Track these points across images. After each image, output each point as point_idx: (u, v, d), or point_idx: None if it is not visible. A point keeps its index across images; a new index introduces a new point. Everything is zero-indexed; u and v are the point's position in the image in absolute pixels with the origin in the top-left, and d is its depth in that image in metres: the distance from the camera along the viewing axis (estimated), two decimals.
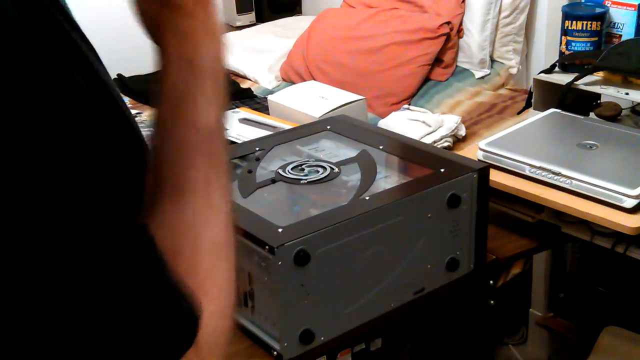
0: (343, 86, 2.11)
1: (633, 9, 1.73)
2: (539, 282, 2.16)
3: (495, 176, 1.37)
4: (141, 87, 2.68)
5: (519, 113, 1.98)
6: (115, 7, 3.23)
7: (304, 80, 2.54)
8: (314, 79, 2.47)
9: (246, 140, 1.49)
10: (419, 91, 2.47)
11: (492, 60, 2.63)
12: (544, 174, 1.40)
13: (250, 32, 3.16)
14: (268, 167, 1.31)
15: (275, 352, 1.07)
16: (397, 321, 1.21)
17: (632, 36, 1.73)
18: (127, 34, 3.21)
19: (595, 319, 1.94)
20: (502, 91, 2.56)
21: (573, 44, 1.75)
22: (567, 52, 1.76)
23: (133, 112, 2.20)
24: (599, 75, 1.66)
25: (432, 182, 1.18)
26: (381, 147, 1.35)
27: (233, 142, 1.56)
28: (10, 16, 0.42)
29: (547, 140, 1.61)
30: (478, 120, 2.31)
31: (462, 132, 2.11)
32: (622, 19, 1.75)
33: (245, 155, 1.36)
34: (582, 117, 1.63)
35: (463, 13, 2.58)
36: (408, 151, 1.35)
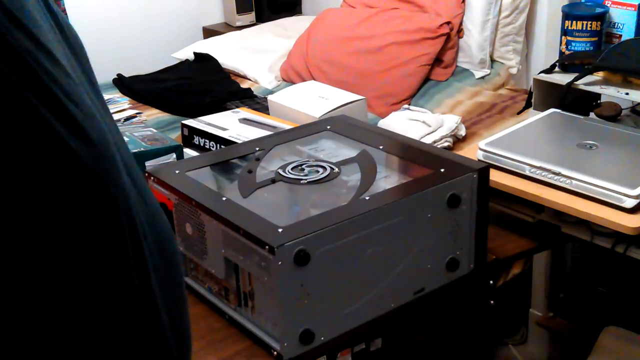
0: (343, 86, 2.11)
1: (633, 9, 1.73)
2: (539, 282, 2.15)
3: (495, 176, 1.37)
4: (141, 87, 2.68)
5: (519, 113, 1.98)
6: (115, 8, 3.24)
7: (304, 80, 2.54)
8: (314, 79, 2.47)
9: (246, 140, 1.49)
10: (419, 91, 2.47)
11: (492, 60, 2.63)
12: (544, 174, 1.40)
13: (250, 32, 3.16)
14: (268, 167, 1.31)
15: (275, 352, 1.07)
16: (397, 321, 1.21)
17: (632, 36, 1.73)
18: (127, 34, 3.22)
19: (595, 319, 1.94)
20: (502, 91, 2.56)
21: (573, 44, 1.75)
22: (567, 52, 1.76)
23: (133, 112, 2.20)
24: (599, 75, 1.66)
25: (432, 182, 1.18)
26: (381, 147, 1.34)
27: (233, 142, 1.56)
28: None
29: (547, 140, 1.61)
30: (478, 120, 2.31)
31: (462, 132, 2.11)
32: (622, 19, 1.75)
33: (245, 155, 1.36)
34: (582, 117, 1.63)
35: (463, 13, 2.58)
36: (408, 151, 1.35)
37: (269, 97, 1.93)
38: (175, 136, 1.99)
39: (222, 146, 1.58)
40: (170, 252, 0.58)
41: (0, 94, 0.42)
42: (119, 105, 2.20)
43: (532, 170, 1.42)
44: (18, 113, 0.43)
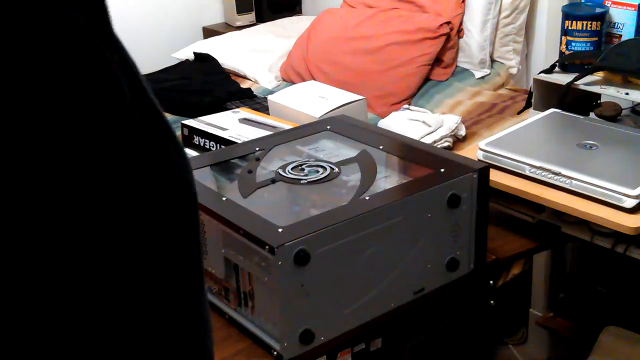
0: (343, 86, 2.11)
1: (633, 9, 1.73)
2: (539, 282, 2.16)
3: (495, 176, 1.37)
4: None
5: (519, 113, 1.98)
6: (114, 8, 3.24)
7: (304, 80, 2.54)
8: (314, 79, 2.47)
9: (246, 140, 1.49)
10: (419, 91, 2.47)
11: (492, 60, 2.63)
12: (544, 174, 1.40)
13: (250, 32, 3.16)
14: (268, 167, 1.31)
15: (275, 352, 1.07)
16: (397, 321, 1.21)
17: (632, 36, 1.73)
18: (127, 35, 3.22)
19: (595, 319, 1.94)
20: (502, 91, 2.56)
21: (573, 44, 1.75)
22: (567, 52, 1.76)
23: None
24: (599, 75, 1.66)
25: (432, 182, 1.18)
26: (381, 147, 1.35)
27: (233, 142, 1.56)
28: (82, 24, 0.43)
29: (547, 140, 1.61)
30: (478, 120, 2.31)
31: (462, 132, 2.11)
32: (622, 19, 1.75)
33: (245, 155, 1.36)
34: (582, 117, 1.63)
35: (463, 13, 2.58)
36: (408, 151, 1.35)
37: (269, 97, 1.93)
38: None
39: (222, 146, 1.58)
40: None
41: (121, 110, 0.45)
42: None
43: (532, 170, 1.42)
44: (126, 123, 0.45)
